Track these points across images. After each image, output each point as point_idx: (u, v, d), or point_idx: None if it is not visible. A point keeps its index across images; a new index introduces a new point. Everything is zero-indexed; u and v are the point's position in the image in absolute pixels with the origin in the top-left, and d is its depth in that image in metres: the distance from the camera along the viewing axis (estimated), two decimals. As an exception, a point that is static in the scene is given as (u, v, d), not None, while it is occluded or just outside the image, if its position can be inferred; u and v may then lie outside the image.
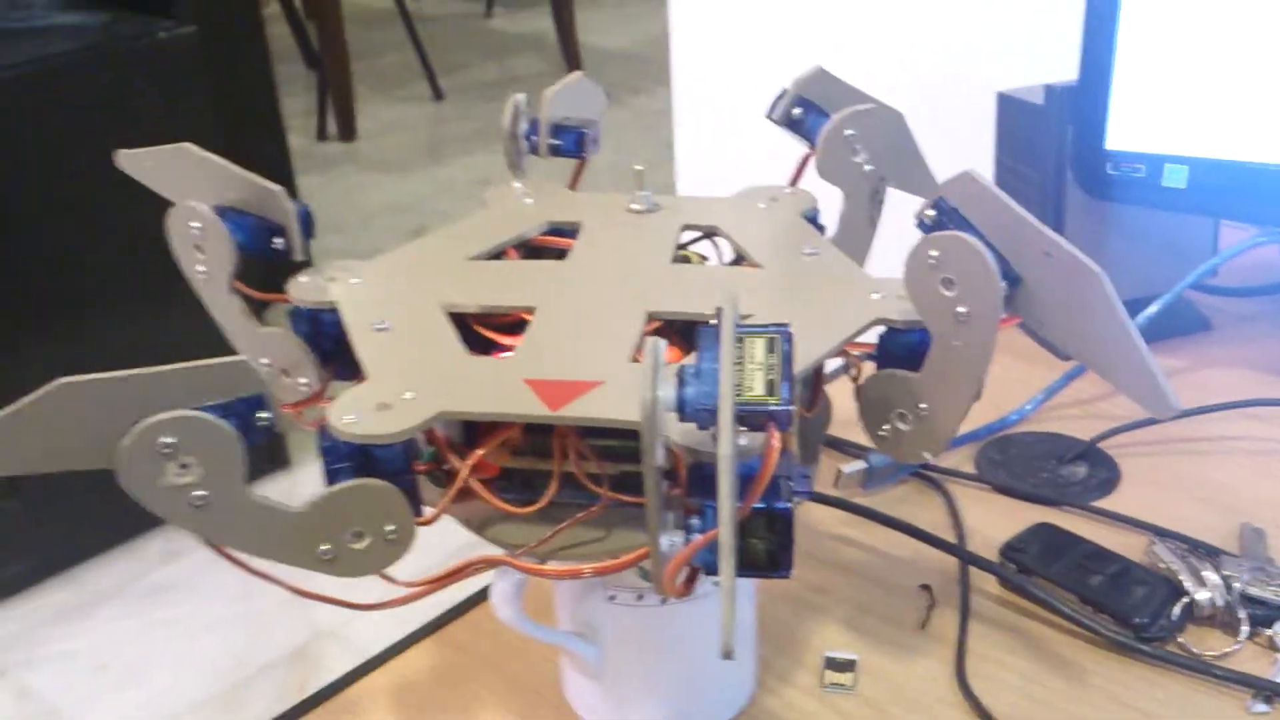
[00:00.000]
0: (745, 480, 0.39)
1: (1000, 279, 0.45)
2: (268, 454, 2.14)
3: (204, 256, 0.51)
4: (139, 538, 2.04)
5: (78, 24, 1.90)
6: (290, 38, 3.82)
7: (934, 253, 0.46)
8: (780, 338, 0.41)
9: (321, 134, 3.64)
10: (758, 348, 0.41)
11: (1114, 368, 0.47)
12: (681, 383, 0.39)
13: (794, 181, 0.61)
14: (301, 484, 2.14)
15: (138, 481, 0.41)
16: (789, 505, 0.40)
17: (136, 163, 0.55)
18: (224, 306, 0.52)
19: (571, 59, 4.05)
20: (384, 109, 3.89)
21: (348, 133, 3.62)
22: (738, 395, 0.38)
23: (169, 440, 0.40)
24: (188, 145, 0.52)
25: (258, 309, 0.53)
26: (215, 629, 1.84)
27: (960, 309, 0.46)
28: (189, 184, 0.53)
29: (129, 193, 2.15)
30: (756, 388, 0.39)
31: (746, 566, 0.41)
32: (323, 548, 0.43)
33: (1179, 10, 0.72)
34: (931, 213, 0.49)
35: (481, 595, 0.64)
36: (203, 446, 0.41)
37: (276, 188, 0.51)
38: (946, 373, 0.47)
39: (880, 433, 0.50)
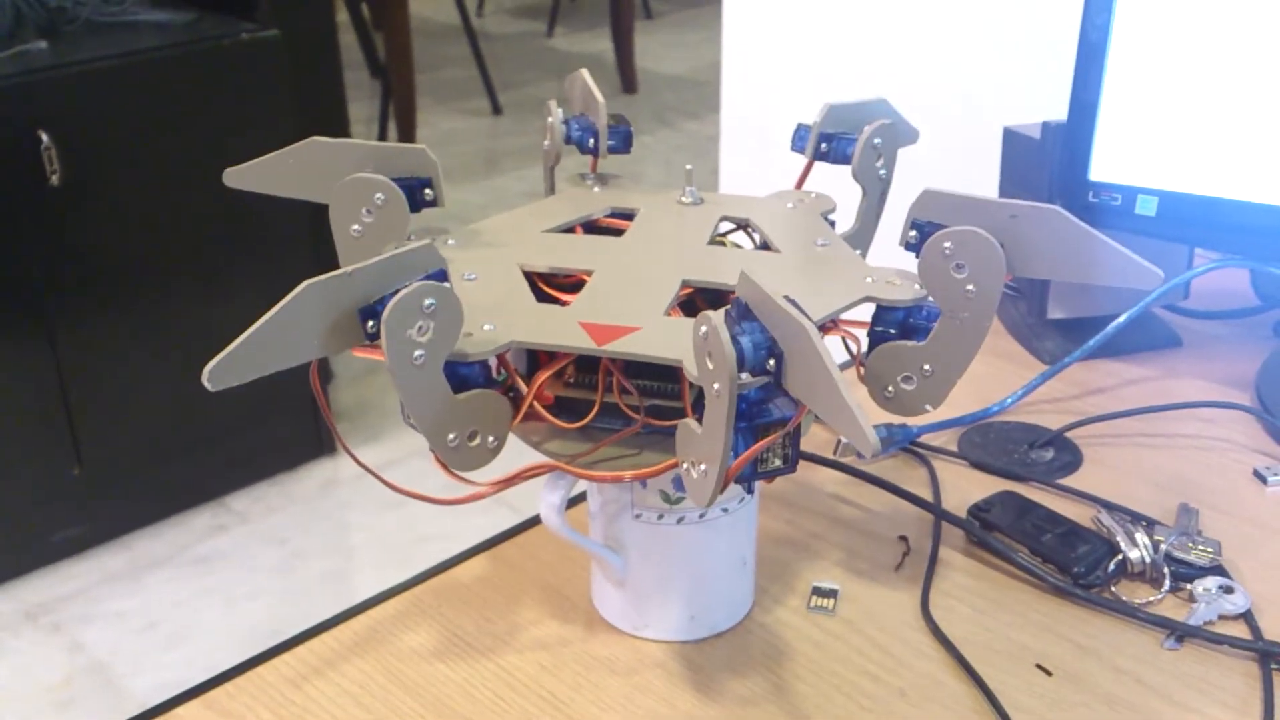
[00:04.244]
0: (761, 407, 0.52)
1: (1004, 263, 0.57)
2: (315, 441, 2.25)
3: (370, 220, 0.61)
4: (188, 511, 2.12)
5: (166, 21, 1.98)
6: (356, 46, 3.97)
7: (948, 244, 0.58)
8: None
9: (382, 140, 3.78)
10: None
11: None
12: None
13: (799, 185, 0.72)
14: (344, 468, 2.25)
15: (393, 327, 0.50)
16: (794, 413, 0.52)
17: (261, 170, 0.63)
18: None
19: (628, 81, 4.16)
20: (443, 120, 4.02)
21: (407, 141, 3.74)
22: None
23: (430, 303, 0.51)
24: (318, 139, 0.63)
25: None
26: (258, 597, 1.91)
27: (970, 288, 0.58)
28: (315, 174, 0.62)
29: (200, 185, 2.26)
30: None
31: (769, 470, 0.53)
32: (450, 436, 0.55)
33: (1155, 64, 0.82)
34: (913, 233, 0.61)
35: (527, 524, 0.75)
36: (445, 315, 0.51)
37: (420, 145, 0.62)
38: (952, 340, 0.59)
39: (886, 394, 0.61)
